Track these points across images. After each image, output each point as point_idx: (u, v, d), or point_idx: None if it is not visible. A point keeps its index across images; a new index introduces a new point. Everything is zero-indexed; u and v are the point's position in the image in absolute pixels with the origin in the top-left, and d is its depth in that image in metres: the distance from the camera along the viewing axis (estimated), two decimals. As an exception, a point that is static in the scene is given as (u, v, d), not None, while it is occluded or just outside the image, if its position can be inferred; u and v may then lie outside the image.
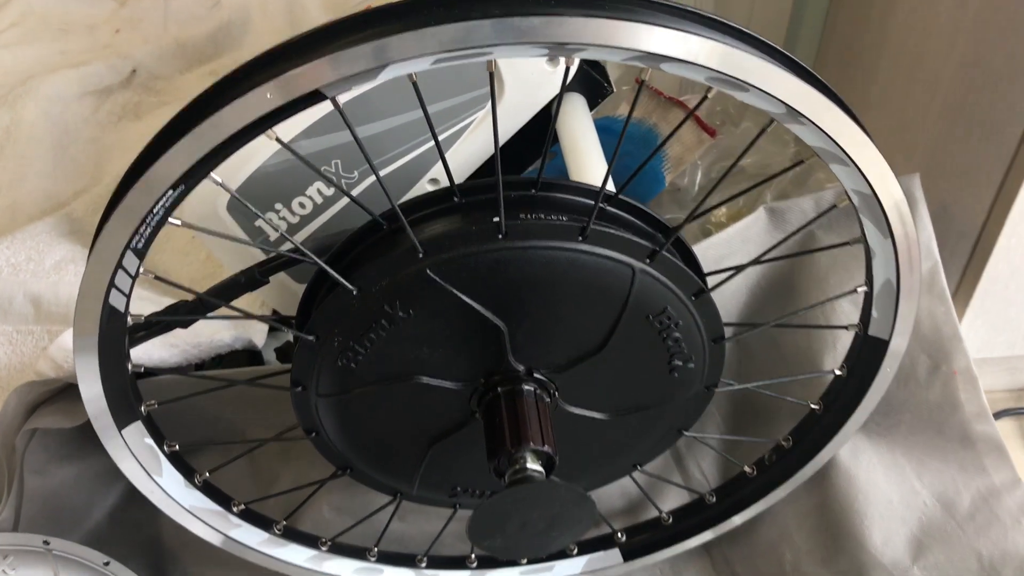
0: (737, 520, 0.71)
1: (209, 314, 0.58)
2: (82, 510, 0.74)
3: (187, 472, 0.62)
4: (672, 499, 0.76)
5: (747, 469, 0.69)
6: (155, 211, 0.46)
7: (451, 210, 0.52)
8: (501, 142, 0.77)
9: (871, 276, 0.56)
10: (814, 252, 0.68)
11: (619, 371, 0.57)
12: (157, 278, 0.50)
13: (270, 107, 0.42)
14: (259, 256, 0.83)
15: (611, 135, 1.03)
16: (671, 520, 0.71)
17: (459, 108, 0.74)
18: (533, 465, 0.51)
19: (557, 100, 0.47)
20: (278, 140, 0.44)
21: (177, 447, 0.60)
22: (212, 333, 0.80)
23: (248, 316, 0.54)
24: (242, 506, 0.64)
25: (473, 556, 0.73)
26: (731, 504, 0.70)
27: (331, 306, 0.51)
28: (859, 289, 0.57)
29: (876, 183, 0.49)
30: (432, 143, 0.77)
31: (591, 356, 0.55)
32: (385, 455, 0.61)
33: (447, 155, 0.77)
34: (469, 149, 0.77)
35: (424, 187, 0.79)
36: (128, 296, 0.50)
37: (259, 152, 0.76)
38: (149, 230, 0.47)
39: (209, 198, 0.78)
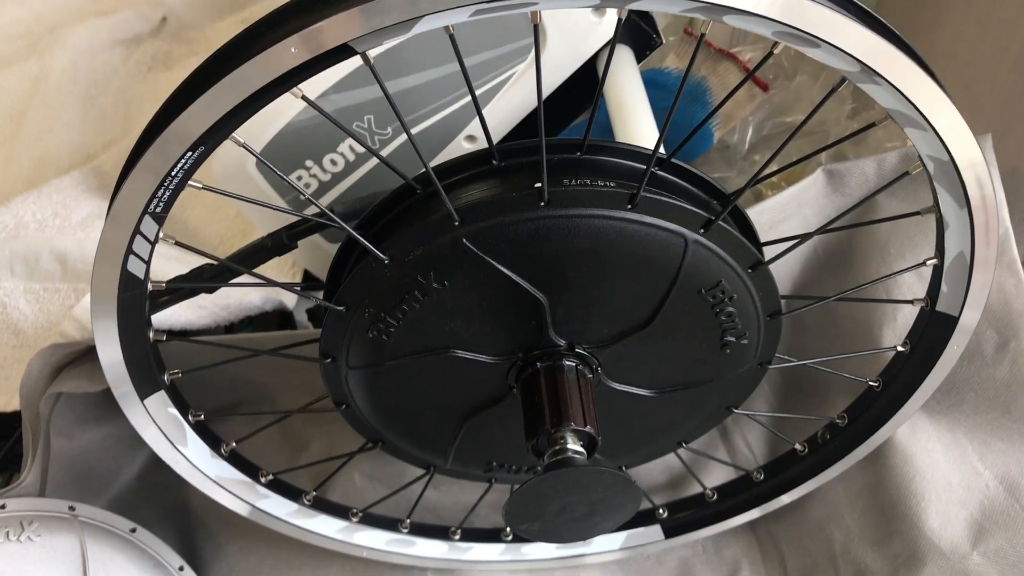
0: (785, 499, 0.67)
1: (233, 281, 0.55)
2: (109, 474, 0.72)
3: (213, 442, 0.59)
4: (717, 474, 0.72)
5: (798, 447, 0.65)
6: (174, 173, 0.43)
7: (489, 174, 0.48)
8: (532, 107, 0.73)
9: (943, 248, 0.52)
10: (880, 222, 0.63)
11: (667, 347, 0.53)
12: (179, 243, 0.47)
13: (295, 63, 0.39)
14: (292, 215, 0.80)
15: (658, 88, 0.98)
16: (716, 497, 0.68)
17: (498, 61, 0.70)
18: (574, 446, 0.48)
19: (608, 53, 0.42)
20: (304, 98, 0.41)
21: (203, 416, 0.57)
22: (241, 295, 0.77)
23: (274, 284, 0.51)
24: (270, 476, 0.62)
25: (508, 529, 0.70)
26: (779, 482, 0.67)
27: (361, 275, 0.48)
28: (928, 262, 0.53)
29: (955, 149, 0.45)
30: (468, 98, 0.73)
31: (637, 331, 0.52)
32: (417, 429, 0.58)
33: (484, 111, 0.73)
34: (508, 105, 0.73)
35: (460, 145, 0.75)
36: (148, 262, 0.47)
37: (289, 107, 0.73)
38: (168, 193, 0.44)
39: (237, 154, 0.75)
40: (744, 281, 0.50)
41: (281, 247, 0.55)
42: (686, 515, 0.70)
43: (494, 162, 0.48)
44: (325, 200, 0.76)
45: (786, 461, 0.67)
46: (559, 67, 0.72)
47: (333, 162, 0.75)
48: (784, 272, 0.72)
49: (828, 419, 0.64)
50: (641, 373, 0.55)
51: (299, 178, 0.76)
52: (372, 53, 0.40)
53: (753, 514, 0.68)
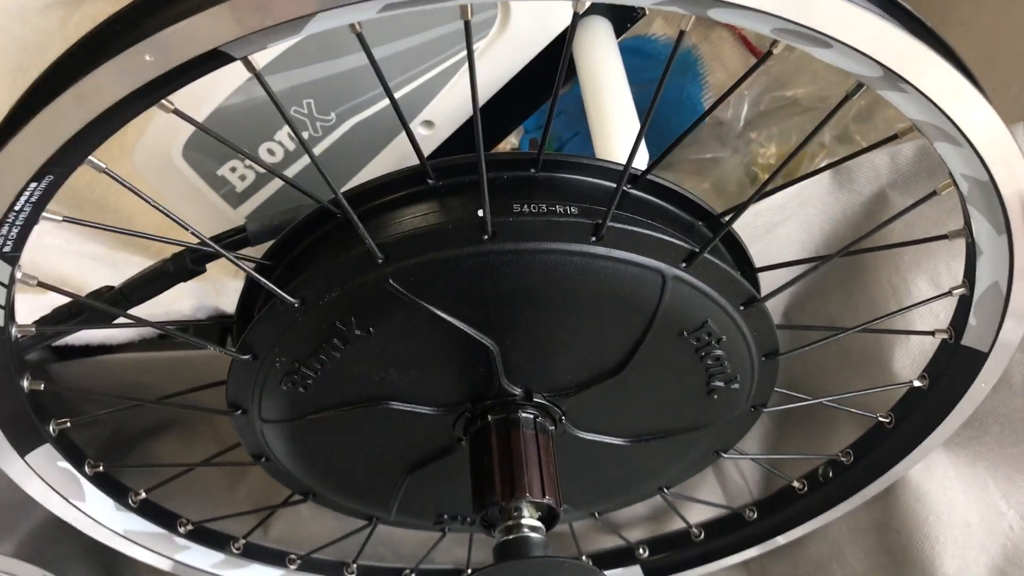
0: (781, 540, 0.60)
1: (119, 320, 0.47)
2: (20, 509, 0.64)
3: (118, 492, 0.51)
4: (705, 507, 0.64)
5: (796, 484, 0.57)
6: (18, 208, 0.34)
7: (423, 195, 0.39)
8: (502, 82, 0.64)
9: (973, 276, 0.43)
10: (899, 247, 0.54)
11: (643, 393, 0.45)
12: (41, 284, 0.38)
13: (154, 73, 0.30)
14: (225, 210, 0.71)
15: (643, 58, 0.88)
16: (702, 536, 0.60)
17: (454, 37, 0.61)
18: (530, 520, 0.40)
19: (569, 32, 0.33)
20: (252, 70, 0.32)
21: (101, 468, 0.49)
22: (170, 302, 0.68)
23: (166, 330, 0.42)
24: (189, 526, 0.54)
25: (469, 571, 0.63)
26: (775, 522, 0.59)
27: (269, 320, 0.40)
28: (954, 292, 0.44)
29: (998, 169, 0.36)
30: (424, 78, 0.64)
31: (607, 378, 0.43)
32: (353, 483, 0.50)
33: (442, 94, 0.64)
34: (462, 92, 0.64)
35: (416, 132, 0.66)
36: (6, 308, 0.39)
37: (217, 89, 0.63)
38: (16, 231, 0.35)
39: (161, 141, 0.66)
40: (735, 321, 0.42)
41: (185, 272, 0.46)
42: (669, 555, 0.62)
43: (429, 181, 0.39)
44: (260, 198, 0.67)
45: (783, 499, 0.59)
46: (525, 45, 0.62)
47: (271, 152, 0.66)
48: (783, 279, 0.63)
49: (830, 457, 0.55)
50: (614, 421, 0.47)
51: (233, 170, 0.67)
52: (263, 57, 0.31)
53: (744, 555, 0.60)
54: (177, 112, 0.33)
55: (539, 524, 0.41)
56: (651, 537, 0.63)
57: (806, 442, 0.64)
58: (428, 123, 0.66)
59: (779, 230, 0.61)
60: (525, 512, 0.41)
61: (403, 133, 0.66)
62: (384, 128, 0.65)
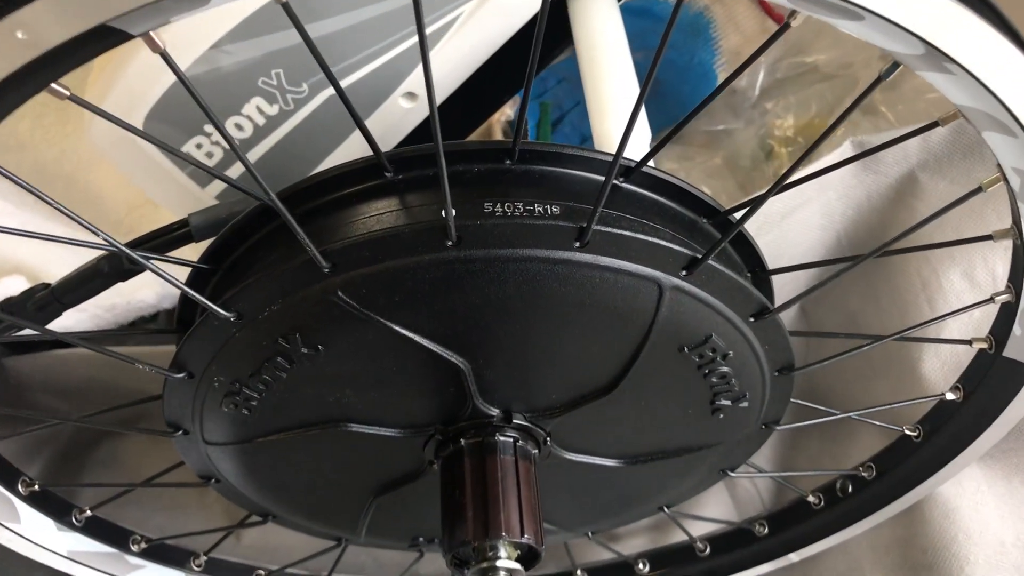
0: (794, 557, 0.54)
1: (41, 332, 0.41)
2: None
3: (60, 510, 0.46)
4: (713, 512, 0.59)
5: (812, 499, 0.52)
6: None
7: (379, 191, 0.34)
8: (492, 49, 0.58)
9: (1020, 281, 0.37)
10: (935, 247, 0.48)
11: (639, 412, 0.40)
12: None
13: (29, 54, 0.24)
14: (193, 190, 0.66)
15: (651, 20, 0.82)
16: (708, 551, 0.55)
17: None
18: (507, 562, 0.35)
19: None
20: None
21: (37, 486, 0.44)
22: (131, 292, 0.63)
23: (101, 350, 0.37)
24: (143, 544, 0.49)
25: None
26: (787, 538, 0.54)
27: (204, 335, 0.34)
28: (997, 298, 0.38)
29: (1060, 164, 0.30)
30: (406, 45, 0.58)
31: (598, 397, 0.38)
32: (315, 505, 0.45)
33: (420, 68, 0.58)
34: (457, 53, 0.58)
35: (398, 105, 0.60)
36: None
37: (177, 59, 0.57)
38: None
39: (122, 114, 0.60)
40: (743, 334, 0.36)
41: (121, 272, 0.41)
42: (671, 570, 0.57)
43: (387, 174, 0.33)
44: (230, 176, 0.62)
45: (796, 513, 0.53)
46: (516, 9, 0.56)
47: (239, 127, 0.60)
48: (799, 273, 0.58)
49: (850, 472, 0.50)
50: (607, 441, 0.41)
51: (199, 147, 0.61)
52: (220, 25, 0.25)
53: (754, 572, 0.55)
54: (74, 98, 0.27)
55: (517, 567, 0.36)
56: (652, 550, 0.57)
57: (823, 447, 0.59)
58: (410, 95, 0.60)
59: (796, 216, 0.55)
60: (502, 552, 0.36)
61: (386, 103, 0.61)
62: (364, 99, 0.59)
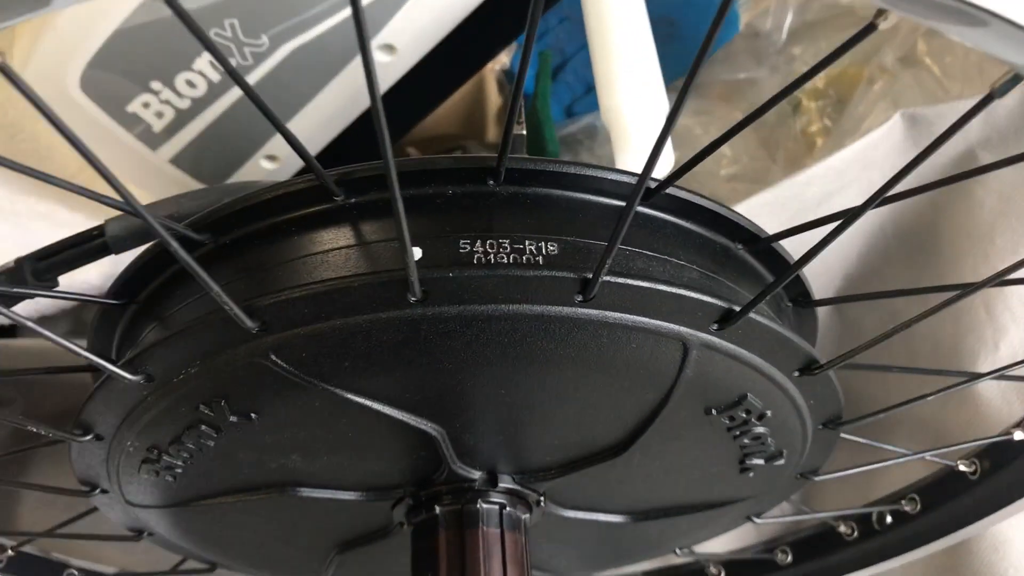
0: (820, 587, 0.48)
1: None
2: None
3: (-23, 552, 0.40)
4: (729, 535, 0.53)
5: (843, 528, 0.45)
6: None
7: (326, 220, 0.26)
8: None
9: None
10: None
11: (650, 472, 0.33)
12: None
13: None
14: (144, 154, 0.58)
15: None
16: (723, 579, 0.49)
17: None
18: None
19: None
20: None
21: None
22: (73, 273, 0.56)
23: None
24: (10, 552, 0.43)
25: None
26: (814, 570, 0.47)
27: (107, 398, 0.27)
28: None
29: None
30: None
31: (603, 460, 0.31)
32: (268, 560, 0.39)
33: (402, 11, 0.50)
34: (435, 4, 0.50)
35: (375, 59, 0.52)
36: None
37: (118, 6, 0.49)
38: None
39: (54, 69, 0.52)
40: (785, 391, 0.29)
41: (23, 281, 0.33)
42: (681, 597, 0.50)
43: (336, 199, 0.26)
44: (184, 138, 0.54)
45: (825, 543, 0.47)
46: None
47: (191, 84, 0.52)
48: (835, 261, 0.50)
49: (891, 507, 0.43)
50: (612, 497, 0.35)
51: (146, 106, 0.53)
52: None
53: (774, 602, 0.49)
54: None
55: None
56: (658, 569, 0.51)
57: (853, 458, 0.52)
58: (388, 47, 0.52)
59: (834, 201, 0.47)
60: (483, 650, 0.29)
61: (357, 60, 0.53)
62: (332, 54, 0.51)
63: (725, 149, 0.69)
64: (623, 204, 0.27)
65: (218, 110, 0.53)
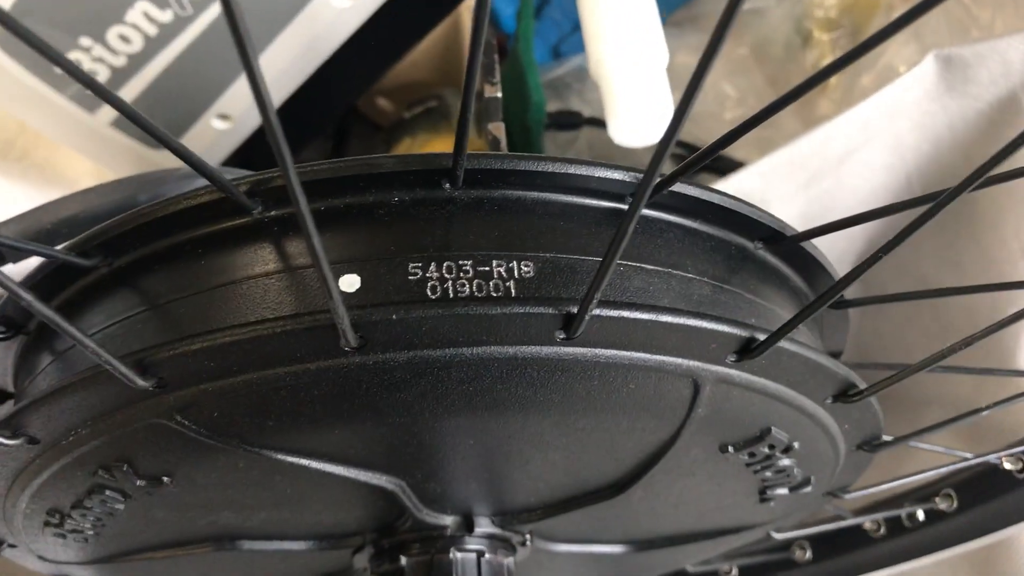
0: (842, 584, 0.44)
1: None
2: None
3: None
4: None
5: (869, 525, 0.41)
6: None
7: (239, 238, 0.21)
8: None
9: None
10: None
11: (655, 506, 0.28)
12: None
13: None
14: (81, 117, 0.52)
15: None
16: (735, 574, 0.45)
17: None
18: None
19: None
20: None
21: None
22: None
23: None
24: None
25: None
26: (835, 568, 0.43)
27: (-12, 457, 0.22)
28: None
29: None
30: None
31: (597, 501, 0.26)
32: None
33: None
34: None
35: (328, 6, 0.46)
36: None
37: (33, -49, 0.43)
38: None
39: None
40: (818, 420, 0.24)
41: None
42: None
43: (253, 212, 0.20)
44: (126, 96, 0.48)
45: (849, 540, 0.42)
46: None
47: (124, 39, 0.46)
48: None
49: (924, 507, 0.38)
50: (611, 529, 0.30)
51: (77, 63, 0.47)
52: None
53: (791, 600, 0.45)
54: None
55: None
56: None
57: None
58: None
59: (857, 156, 0.41)
60: None
61: (311, 6, 0.47)
62: (270, 18, 0.46)
63: (729, 89, 0.63)
64: (616, 207, 0.21)
65: (159, 66, 0.48)
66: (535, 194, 0.21)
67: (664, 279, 0.21)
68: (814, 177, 0.41)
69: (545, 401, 0.20)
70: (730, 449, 0.24)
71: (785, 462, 0.25)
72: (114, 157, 0.53)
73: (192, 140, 0.51)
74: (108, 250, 0.21)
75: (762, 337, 0.20)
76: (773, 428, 0.23)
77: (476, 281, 0.19)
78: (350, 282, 0.19)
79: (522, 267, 0.20)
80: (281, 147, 0.14)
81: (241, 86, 0.48)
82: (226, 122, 0.50)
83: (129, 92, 0.48)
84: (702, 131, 0.61)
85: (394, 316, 0.18)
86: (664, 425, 0.22)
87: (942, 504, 0.38)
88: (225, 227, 0.20)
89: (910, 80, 0.40)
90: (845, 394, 0.23)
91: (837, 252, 0.44)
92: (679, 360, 0.20)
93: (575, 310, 0.19)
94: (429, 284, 0.19)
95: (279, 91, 0.48)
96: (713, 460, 0.24)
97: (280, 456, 0.21)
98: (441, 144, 0.53)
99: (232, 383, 0.19)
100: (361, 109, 0.58)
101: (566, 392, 0.20)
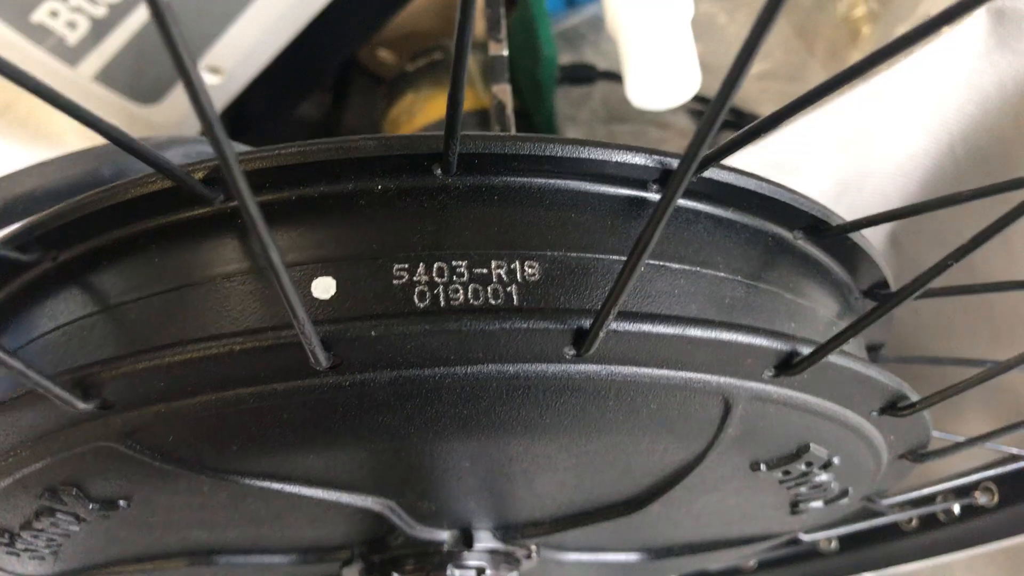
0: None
1: None
2: None
3: None
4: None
5: (902, 518, 0.38)
6: None
7: (195, 230, 0.18)
8: None
9: None
10: None
11: (675, 518, 0.25)
12: None
13: None
14: (62, 71, 0.50)
15: None
16: (755, 567, 0.42)
17: None
18: None
19: None
20: None
21: None
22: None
23: None
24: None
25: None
26: (862, 559, 0.40)
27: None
28: None
29: None
30: None
31: (613, 517, 0.23)
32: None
33: None
34: None
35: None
36: None
37: None
38: None
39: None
40: (862, 433, 0.21)
41: None
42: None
43: (215, 202, 0.17)
44: (107, 50, 0.45)
45: (879, 532, 0.40)
46: None
47: (98, -11, 0.43)
48: (892, 190, 0.41)
49: (965, 502, 0.36)
50: (626, 538, 0.27)
51: (54, 15, 0.45)
52: None
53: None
54: None
55: None
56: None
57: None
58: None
59: (896, 118, 0.38)
60: None
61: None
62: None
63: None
64: (637, 195, 0.18)
65: (143, 16, 0.45)
66: (541, 181, 0.18)
67: (692, 280, 0.18)
68: (849, 141, 0.37)
69: (552, 424, 0.18)
70: (762, 467, 0.21)
71: (822, 478, 0.22)
72: (101, 112, 0.49)
73: (179, 97, 0.48)
74: (51, 243, 0.18)
75: (806, 351, 0.17)
76: (812, 445, 0.20)
77: (472, 286, 0.16)
78: (324, 287, 0.16)
79: (526, 268, 0.17)
80: (208, 115, 0.11)
81: (232, 37, 0.45)
82: (216, 76, 0.47)
83: (112, 44, 0.46)
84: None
85: (373, 333, 0.15)
86: (689, 446, 0.19)
87: (982, 498, 0.35)
88: (181, 218, 0.18)
89: (958, 35, 0.37)
90: (894, 407, 0.20)
91: (883, 197, 0.41)
92: (709, 377, 0.17)
93: (588, 324, 0.16)
94: (417, 290, 0.16)
95: (273, 41, 0.45)
96: (742, 476, 0.21)
97: (248, 481, 0.18)
98: (446, 100, 0.50)
99: (187, 405, 0.16)
100: (361, 61, 0.55)
101: (576, 414, 0.17)
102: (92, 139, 0.43)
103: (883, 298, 0.24)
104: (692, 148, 0.13)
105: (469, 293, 0.16)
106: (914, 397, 0.20)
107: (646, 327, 0.16)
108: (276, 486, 0.19)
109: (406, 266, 0.17)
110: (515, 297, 0.16)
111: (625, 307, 0.17)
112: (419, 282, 0.16)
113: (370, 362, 0.16)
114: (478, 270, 0.17)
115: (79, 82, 0.47)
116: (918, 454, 0.24)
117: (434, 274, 0.16)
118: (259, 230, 0.12)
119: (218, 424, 0.17)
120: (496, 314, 0.16)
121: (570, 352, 0.16)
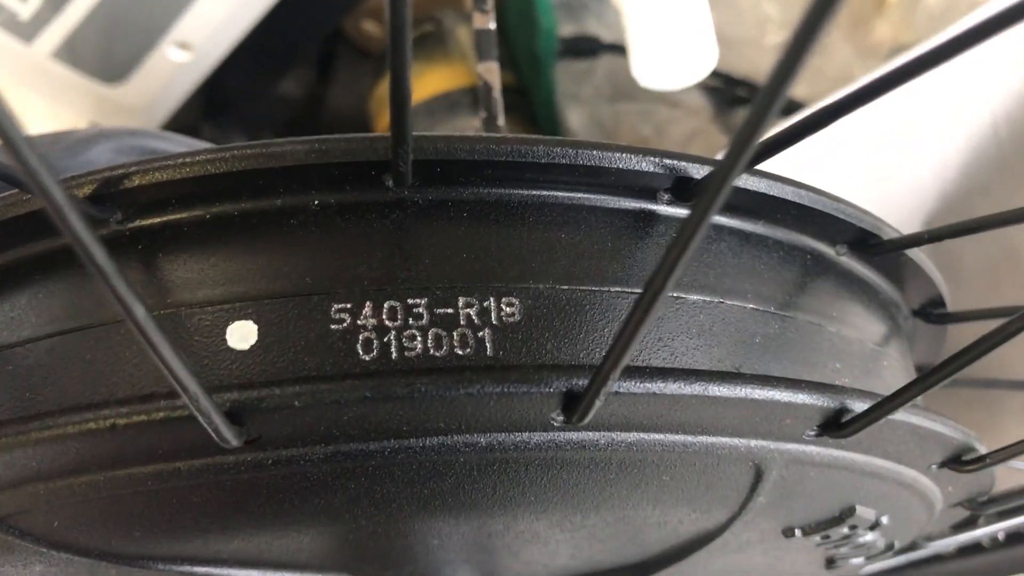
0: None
1: None
2: None
3: None
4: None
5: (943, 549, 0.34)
6: None
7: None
8: None
9: None
10: None
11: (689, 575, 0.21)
12: None
13: None
14: (17, 49, 0.46)
15: None
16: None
17: None
18: None
19: None
20: None
21: None
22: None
23: None
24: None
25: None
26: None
27: None
28: None
29: None
30: None
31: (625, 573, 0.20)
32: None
33: None
34: None
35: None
36: None
37: None
38: None
39: None
40: (916, 490, 0.17)
41: None
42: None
43: (111, 222, 0.13)
44: (64, 26, 0.42)
45: (918, 561, 0.36)
46: None
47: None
48: (927, 174, 0.37)
49: (1008, 530, 0.32)
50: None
51: (7, -10, 0.41)
52: None
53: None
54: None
55: None
56: None
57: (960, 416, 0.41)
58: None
59: (932, 99, 0.34)
60: None
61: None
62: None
63: (771, 9, 0.55)
64: (644, 207, 0.14)
65: (97, -1, 0.41)
66: (523, 192, 0.14)
67: (715, 315, 0.14)
68: (881, 126, 0.33)
69: (538, 500, 0.14)
70: (798, 533, 0.17)
71: (867, 538, 0.18)
72: (61, 93, 0.46)
73: (147, 75, 0.44)
74: None
75: (858, 407, 0.13)
76: (858, 507, 0.17)
77: (433, 331, 0.13)
78: (242, 334, 0.13)
79: (503, 307, 0.13)
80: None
81: (200, 8, 0.41)
82: (186, 52, 0.43)
83: (69, 19, 0.42)
84: (740, 59, 0.53)
85: (297, 403, 0.11)
86: (710, 517, 0.16)
87: (1030, 524, 0.32)
88: (67, 243, 0.14)
89: (1003, 4, 0.33)
90: (958, 460, 0.17)
91: (904, 212, 0.37)
92: (737, 442, 0.14)
93: (582, 385, 0.12)
94: (362, 337, 0.13)
95: (247, 12, 0.41)
96: (772, 540, 0.18)
97: (164, 567, 0.15)
98: (437, 76, 0.46)
99: (68, 485, 0.13)
100: (347, 34, 0.51)
101: (568, 489, 0.14)
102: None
103: (938, 319, 0.20)
104: (733, 152, 0.09)
105: (429, 341, 0.13)
106: (982, 449, 0.17)
107: (656, 387, 0.12)
108: (200, 570, 0.15)
109: (348, 306, 0.13)
110: (488, 346, 0.13)
111: (630, 359, 0.13)
112: (364, 327, 0.13)
113: (297, 436, 0.12)
114: (441, 310, 0.13)
115: (35, 60, 0.43)
116: (977, 503, 0.20)
117: (384, 316, 0.13)
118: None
119: (114, 507, 0.13)
120: (461, 375, 0.12)
121: (559, 419, 0.12)
